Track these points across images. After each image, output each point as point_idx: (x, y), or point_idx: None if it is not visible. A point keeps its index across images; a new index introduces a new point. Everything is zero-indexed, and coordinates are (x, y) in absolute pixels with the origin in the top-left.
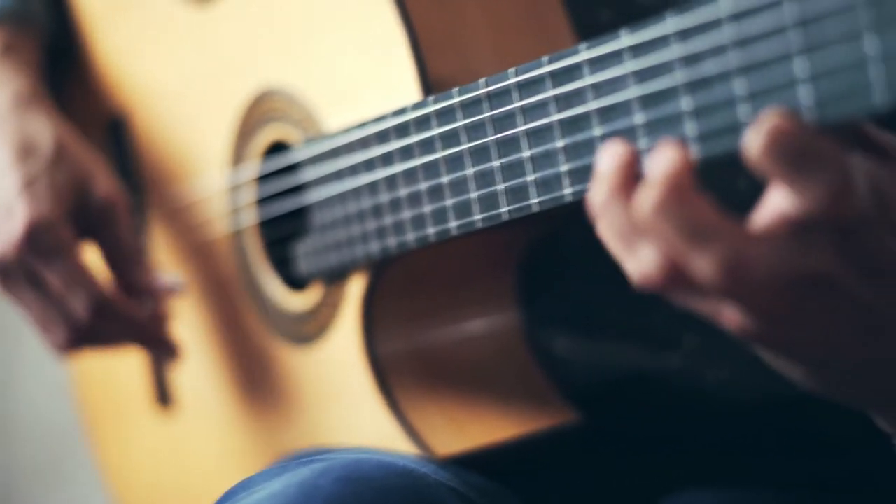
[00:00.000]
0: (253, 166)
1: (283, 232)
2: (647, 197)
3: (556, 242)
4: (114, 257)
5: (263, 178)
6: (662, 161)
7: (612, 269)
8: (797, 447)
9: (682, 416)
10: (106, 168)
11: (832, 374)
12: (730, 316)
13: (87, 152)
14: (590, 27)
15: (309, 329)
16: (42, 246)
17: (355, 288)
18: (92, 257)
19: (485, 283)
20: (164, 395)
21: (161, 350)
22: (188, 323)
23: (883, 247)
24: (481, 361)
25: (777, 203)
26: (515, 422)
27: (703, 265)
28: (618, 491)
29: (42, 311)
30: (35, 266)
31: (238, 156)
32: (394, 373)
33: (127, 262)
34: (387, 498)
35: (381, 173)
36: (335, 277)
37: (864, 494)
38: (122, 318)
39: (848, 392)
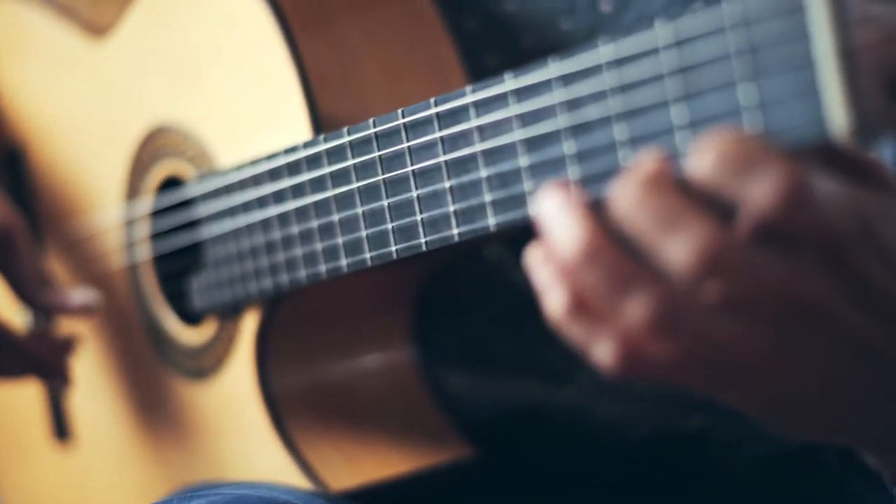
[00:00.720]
0: (147, 201)
1: (178, 267)
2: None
3: (452, 280)
4: (18, 283)
5: (158, 213)
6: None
7: (505, 307)
8: (690, 484)
9: (576, 452)
10: (1, 196)
11: (834, 417)
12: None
13: None
14: (482, 71)
15: (204, 363)
16: None
17: (249, 323)
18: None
19: (380, 320)
20: (61, 429)
21: (55, 380)
22: (86, 357)
23: (874, 275)
24: (377, 398)
25: (744, 212)
26: (410, 457)
27: (676, 251)
28: None
29: None
30: None
31: (133, 190)
32: (288, 408)
33: (32, 285)
34: None
35: (273, 210)
36: (229, 312)
37: None
38: (16, 349)
39: (850, 434)
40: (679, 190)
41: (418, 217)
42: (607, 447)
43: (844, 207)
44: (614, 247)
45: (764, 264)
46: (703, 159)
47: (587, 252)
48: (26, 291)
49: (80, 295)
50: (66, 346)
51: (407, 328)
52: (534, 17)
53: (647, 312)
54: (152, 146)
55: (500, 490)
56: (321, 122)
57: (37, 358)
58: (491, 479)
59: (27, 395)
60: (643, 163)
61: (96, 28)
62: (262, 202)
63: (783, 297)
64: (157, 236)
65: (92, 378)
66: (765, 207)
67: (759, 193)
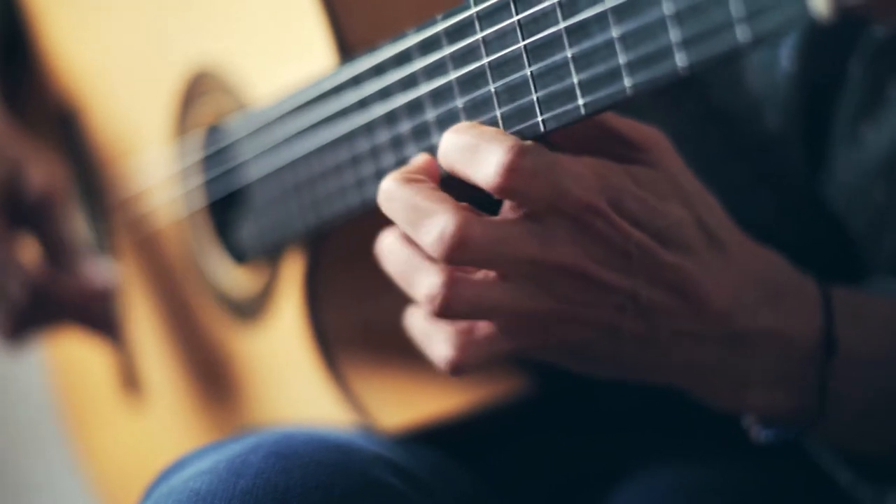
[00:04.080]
0: (193, 147)
1: (229, 210)
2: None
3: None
4: (50, 249)
5: (206, 159)
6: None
7: None
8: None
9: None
10: (41, 160)
11: (626, 361)
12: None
13: (19, 145)
14: None
15: (256, 307)
16: None
17: (298, 263)
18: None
19: None
20: (131, 380)
21: (101, 328)
22: (144, 307)
23: (627, 238)
24: None
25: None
26: (466, 391)
27: (426, 239)
28: (576, 464)
29: None
30: None
31: (179, 135)
32: (339, 345)
33: (60, 254)
34: (315, 472)
35: (308, 144)
36: (278, 253)
37: None
38: (59, 297)
39: (654, 376)
40: (427, 186)
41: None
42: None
43: (589, 184)
44: (398, 241)
45: (513, 238)
46: (443, 151)
47: (380, 249)
48: (56, 258)
49: (102, 276)
50: (107, 296)
51: None
52: None
53: (426, 294)
54: (195, 87)
55: (561, 427)
56: (348, 50)
57: (74, 302)
58: (551, 413)
59: (101, 351)
60: (413, 162)
61: None
62: (299, 136)
63: (540, 263)
64: (206, 183)
65: (155, 329)
66: (489, 182)
67: (485, 172)
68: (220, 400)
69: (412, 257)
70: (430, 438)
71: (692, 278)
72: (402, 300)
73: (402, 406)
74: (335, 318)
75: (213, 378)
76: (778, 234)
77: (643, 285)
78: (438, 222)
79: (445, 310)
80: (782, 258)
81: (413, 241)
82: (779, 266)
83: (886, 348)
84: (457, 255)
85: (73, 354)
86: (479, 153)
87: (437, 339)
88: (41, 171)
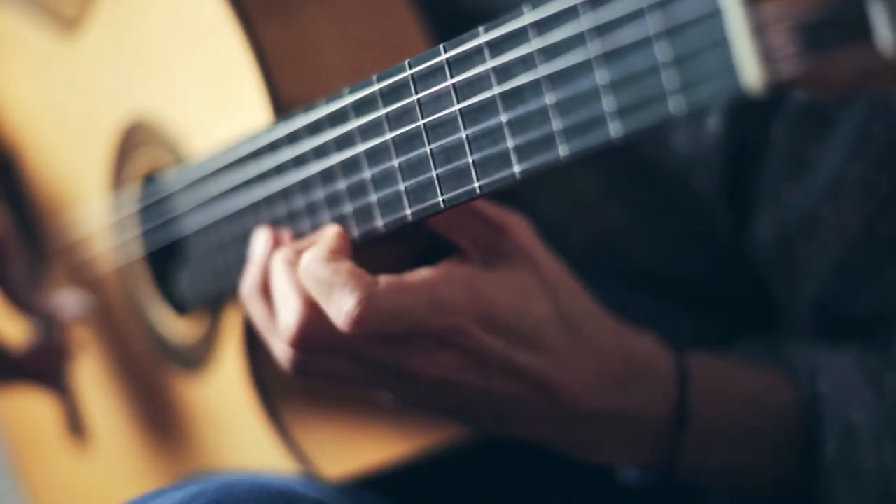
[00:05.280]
0: (130, 198)
1: (168, 261)
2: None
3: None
4: (9, 290)
5: (143, 210)
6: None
7: None
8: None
9: None
10: None
11: (487, 424)
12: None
13: None
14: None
15: (198, 356)
16: None
17: (238, 313)
18: None
19: None
20: (77, 427)
21: (49, 388)
22: (91, 355)
23: (492, 348)
24: None
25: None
26: (406, 437)
27: (275, 350)
28: None
29: None
30: None
31: (116, 186)
32: (280, 395)
33: (23, 293)
34: None
35: (244, 199)
36: (218, 303)
37: None
38: (7, 357)
39: (520, 434)
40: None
41: (372, 198)
42: None
43: (457, 306)
44: (259, 299)
45: (366, 344)
46: (301, 273)
47: (245, 297)
48: (18, 299)
49: (71, 302)
50: (62, 354)
51: None
52: None
53: (279, 358)
54: (131, 139)
55: (505, 473)
56: (283, 104)
57: (29, 367)
58: (496, 459)
59: (44, 396)
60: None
61: (64, 20)
62: (234, 190)
63: (393, 366)
64: (144, 233)
65: (99, 376)
66: (340, 326)
67: (335, 315)
68: (165, 446)
69: (268, 321)
70: (374, 484)
71: (545, 375)
72: None
73: (343, 454)
74: (275, 368)
75: (157, 424)
76: (708, 285)
77: (498, 383)
78: (280, 347)
79: (295, 374)
80: (644, 338)
81: (269, 303)
82: (636, 348)
83: (741, 426)
84: (308, 353)
85: (21, 398)
86: (332, 294)
87: (276, 340)
88: None
